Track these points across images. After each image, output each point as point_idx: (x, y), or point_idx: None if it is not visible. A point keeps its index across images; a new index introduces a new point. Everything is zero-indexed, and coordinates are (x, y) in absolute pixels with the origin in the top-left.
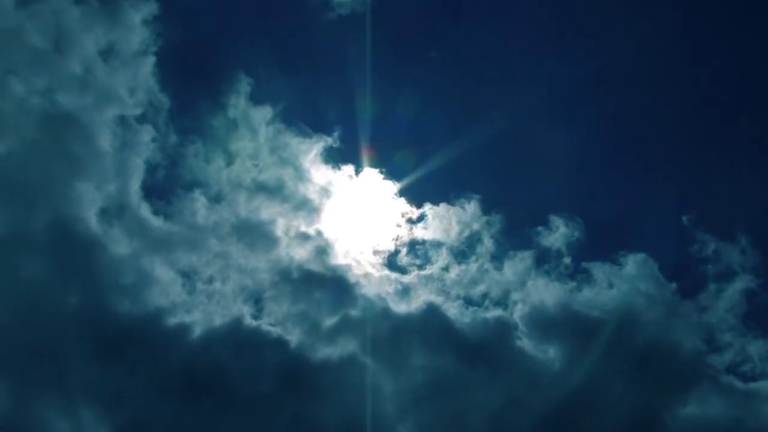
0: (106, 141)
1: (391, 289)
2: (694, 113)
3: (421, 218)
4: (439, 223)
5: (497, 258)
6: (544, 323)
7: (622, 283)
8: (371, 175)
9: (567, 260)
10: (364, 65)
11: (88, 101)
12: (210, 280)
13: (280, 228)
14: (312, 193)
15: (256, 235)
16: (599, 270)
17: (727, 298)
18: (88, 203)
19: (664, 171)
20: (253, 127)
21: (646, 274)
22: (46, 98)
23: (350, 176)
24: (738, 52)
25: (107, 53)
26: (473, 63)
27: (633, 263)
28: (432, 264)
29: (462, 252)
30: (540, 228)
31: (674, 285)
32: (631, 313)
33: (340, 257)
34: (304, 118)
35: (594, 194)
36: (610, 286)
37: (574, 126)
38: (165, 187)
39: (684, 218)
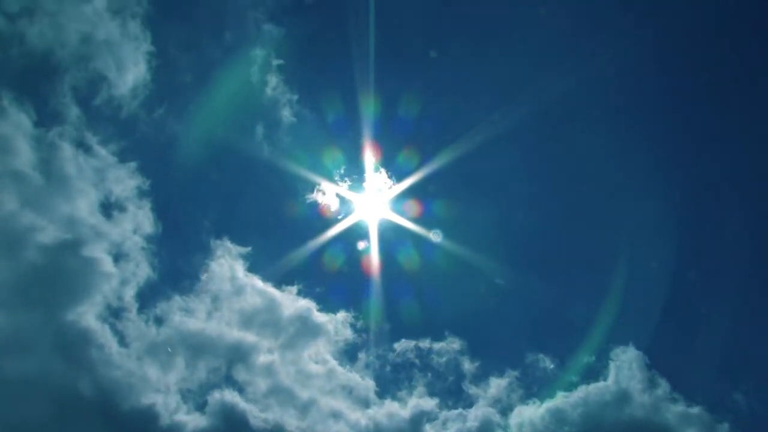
0: (108, 266)
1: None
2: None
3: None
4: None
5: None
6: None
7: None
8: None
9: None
10: None
11: (90, 234)
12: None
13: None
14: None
15: (236, 347)
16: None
17: None
18: (92, 313)
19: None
20: (230, 265)
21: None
22: (58, 229)
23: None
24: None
25: (108, 201)
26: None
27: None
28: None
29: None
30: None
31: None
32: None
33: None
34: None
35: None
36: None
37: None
38: (156, 301)
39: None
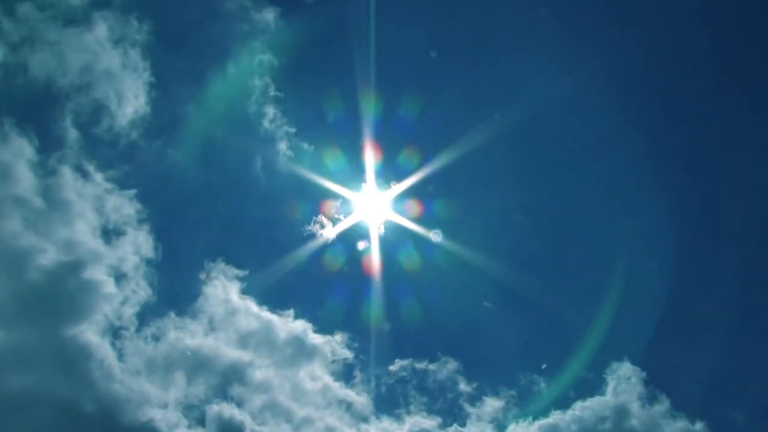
0: (109, 287)
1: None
2: None
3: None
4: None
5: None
6: None
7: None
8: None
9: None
10: None
11: (92, 257)
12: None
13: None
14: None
15: (232, 368)
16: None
17: None
18: (95, 332)
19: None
20: (224, 287)
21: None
22: (61, 252)
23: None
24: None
25: (107, 226)
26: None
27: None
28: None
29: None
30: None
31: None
32: None
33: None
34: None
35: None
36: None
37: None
38: (155, 319)
39: None
